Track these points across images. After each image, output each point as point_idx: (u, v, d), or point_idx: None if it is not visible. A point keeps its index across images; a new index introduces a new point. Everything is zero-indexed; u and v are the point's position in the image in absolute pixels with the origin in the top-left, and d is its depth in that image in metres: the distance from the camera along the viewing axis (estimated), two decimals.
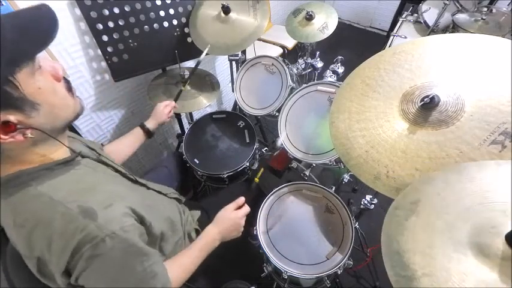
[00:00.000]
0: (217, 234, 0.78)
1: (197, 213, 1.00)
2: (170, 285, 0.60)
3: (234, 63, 1.40)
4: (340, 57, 1.24)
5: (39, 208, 0.48)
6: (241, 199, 0.84)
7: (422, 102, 0.57)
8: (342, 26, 2.00)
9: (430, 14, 1.79)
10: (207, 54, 1.10)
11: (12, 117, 0.42)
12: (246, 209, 0.84)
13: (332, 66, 1.25)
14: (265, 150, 1.31)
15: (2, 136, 0.42)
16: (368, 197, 0.99)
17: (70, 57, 1.04)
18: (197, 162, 1.19)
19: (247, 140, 1.27)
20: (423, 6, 1.85)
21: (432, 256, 0.39)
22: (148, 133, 1.03)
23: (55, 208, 0.48)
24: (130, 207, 0.58)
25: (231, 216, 0.80)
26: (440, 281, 0.36)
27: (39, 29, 0.46)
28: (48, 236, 0.47)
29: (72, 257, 0.48)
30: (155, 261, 0.58)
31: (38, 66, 0.46)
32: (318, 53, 1.38)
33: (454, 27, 1.56)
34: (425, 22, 1.79)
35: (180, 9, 1.16)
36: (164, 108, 1.05)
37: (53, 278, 0.50)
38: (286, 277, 0.88)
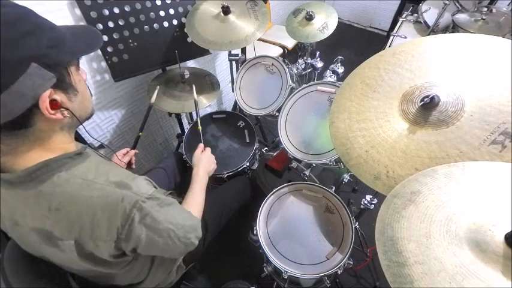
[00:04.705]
0: (203, 172, 0.93)
1: None
2: (199, 221, 0.73)
3: (234, 63, 1.40)
4: (340, 57, 1.25)
5: (74, 189, 0.51)
6: (201, 144, 1.04)
7: (422, 102, 0.57)
8: (342, 26, 2.00)
9: (430, 14, 1.79)
10: (209, 53, 1.08)
11: (59, 97, 0.50)
12: (208, 148, 1.04)
13: (332, 66, 1.25)
14: (265, 150, 1.31)
15: (51, 111, 0.48)
16: (368, 197, 0.99)
17: None
18: None
19: (247, 140, 1.27)
20: (423, 6, 1.85)
21: (427, 246, 0.39)
22: None
23: (90, 186, 0.52)
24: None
25: (203, 156, 0.98)
26: (433, 270, 0.37)
27: (87, 37, 0.58)
28: (90, 212, 0.51)
29: (123, 225, 0.53)
30: (181, 207, 0.69)
31: (79, 67, 0.56)
32: (318, 53, 1.38)
33: (454, 27, 1.56)
34: (425, 22, 1.79)
35: (180, 9, 1.16)
36: (122, 159, 0.95)
37: (92, 257, 0.55)
38: (286, 277, 0.88)
